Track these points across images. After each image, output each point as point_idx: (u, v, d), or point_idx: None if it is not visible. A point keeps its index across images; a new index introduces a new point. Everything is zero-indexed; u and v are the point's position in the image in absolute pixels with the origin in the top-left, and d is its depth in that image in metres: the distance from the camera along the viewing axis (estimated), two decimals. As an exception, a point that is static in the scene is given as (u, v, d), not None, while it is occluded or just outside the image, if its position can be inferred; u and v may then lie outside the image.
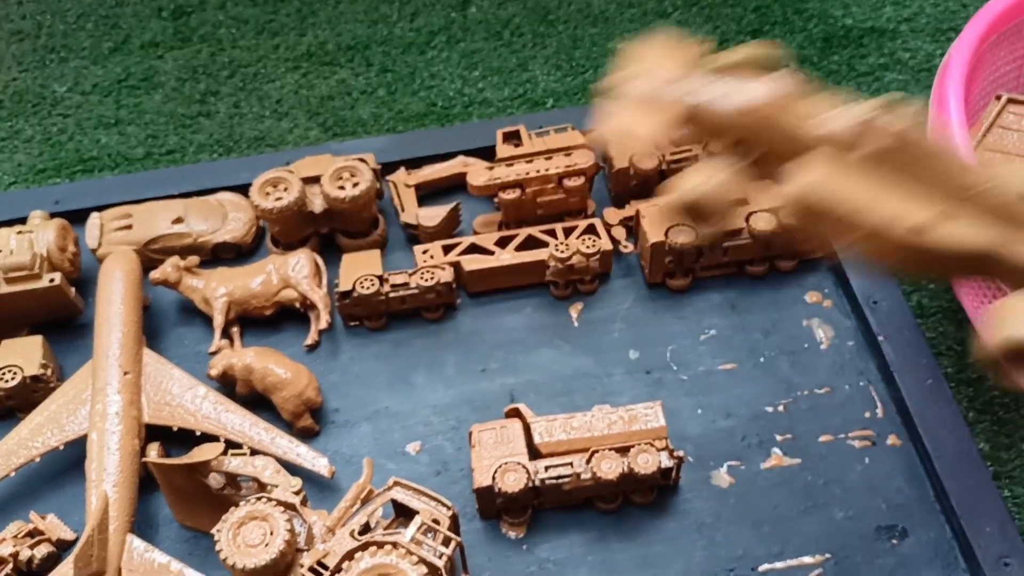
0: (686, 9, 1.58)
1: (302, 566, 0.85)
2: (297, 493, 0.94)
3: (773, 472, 1.07)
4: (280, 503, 0.89)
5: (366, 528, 0.89)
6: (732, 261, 1.21)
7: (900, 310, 1.17)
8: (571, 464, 1.00)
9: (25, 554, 1.01)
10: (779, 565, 1.01)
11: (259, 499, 0.89)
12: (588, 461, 1.00)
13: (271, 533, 0.86)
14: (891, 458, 1.08)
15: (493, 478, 1.00)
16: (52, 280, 1.14)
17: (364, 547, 0.85)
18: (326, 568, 0.85)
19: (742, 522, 1.03)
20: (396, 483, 0.92)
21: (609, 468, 0.99)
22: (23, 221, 1.24)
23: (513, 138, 1.28)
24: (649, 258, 1.19)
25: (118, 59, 1.56)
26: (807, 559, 1.01)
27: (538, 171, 1.21)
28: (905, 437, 1.09)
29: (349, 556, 0.85)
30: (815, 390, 1.13)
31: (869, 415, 1.11)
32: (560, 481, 1.00)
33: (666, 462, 1.00)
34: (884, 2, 1.56)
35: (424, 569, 0.83)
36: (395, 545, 0.85)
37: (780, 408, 1.12)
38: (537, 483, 1.00)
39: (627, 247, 1.23)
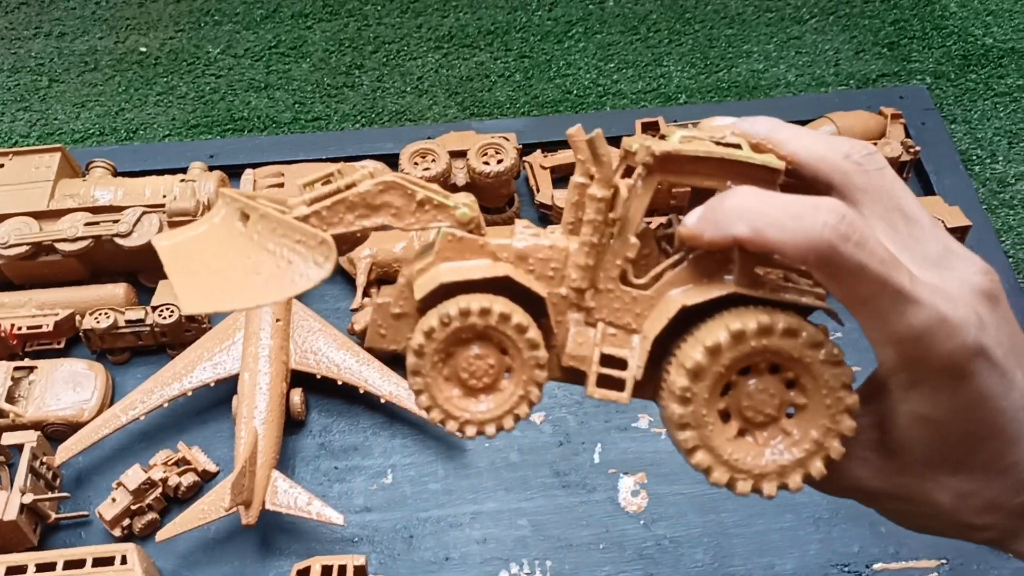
0: (823, 17, 1.59)
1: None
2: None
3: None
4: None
5: None
6: None
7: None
8: None
9: (173, 480, 1.07)
10: (894, 565, 1.02)
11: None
12: None
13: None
14: None
15: None
16: (212, 227, 1.20)
17: None
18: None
19: (859, 520, 1.05)
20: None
21: None
22: (181, 171, 1.31)
23: (652, 129, 1.31)
24: None
25: (269, 26, 1.64)
26: (923, 562, 1.02)
27: (676, 162, 1.24)
28: None
29: None
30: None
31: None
32: None
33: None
34: (1027, 24, 1.55)
35: None
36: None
37: (901, 414, 1.13)
38: None
39: None
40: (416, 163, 1.24)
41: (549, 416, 1.15)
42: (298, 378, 1.14)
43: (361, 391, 1.11)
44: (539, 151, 1.37)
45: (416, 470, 1.11)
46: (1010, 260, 1.28)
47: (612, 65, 1.54)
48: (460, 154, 1.27)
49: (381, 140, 1.39)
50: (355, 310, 1.20)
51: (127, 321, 1.15)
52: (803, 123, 1.34)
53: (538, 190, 1.32)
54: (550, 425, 1.14)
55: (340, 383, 1.12)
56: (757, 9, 1.60)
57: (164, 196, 1.23)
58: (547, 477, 1.10)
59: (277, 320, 1.13)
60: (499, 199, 1.29)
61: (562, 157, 1.36)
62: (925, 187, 1.33)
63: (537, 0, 1.64)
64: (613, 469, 1.10)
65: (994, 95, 1.47)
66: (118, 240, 1.18)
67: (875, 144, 1.27)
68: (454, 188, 1.28)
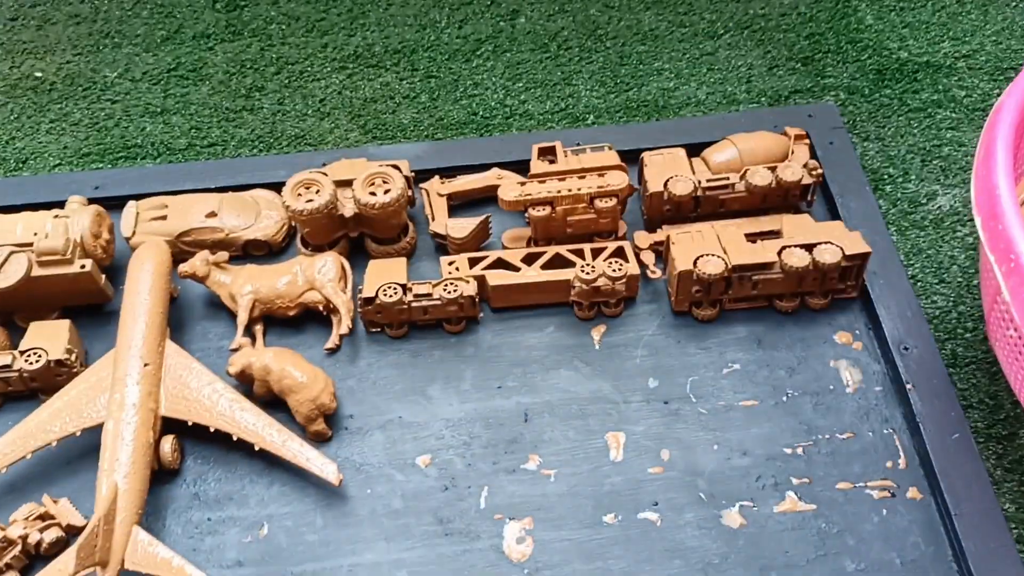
0: (737, 32, 1.55)
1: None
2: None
3: (786, 516, 1.05)
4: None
5: None
6: (762, 295, 1.19)
7: (931, 358, 1.14)
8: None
9: (34, 537, 1.02)
10: (783, 612, 0.99)
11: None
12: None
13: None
14: (910, 511, 1.05)
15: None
16: (83, 266, 1.16)
17: None
18: None
19: (750, 565, 1.01)
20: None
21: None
22: (63, 204, 1.26)
23: (548, 154, 1.27)
24: (676, 286, 1.17)
25: (170, 48, 1.58)
26: (812, 608, 0.98)
27: (570, 190, 1.20)
28: (926, 491, 1.06)
29: None
30: (837, 435, 1.11)
31: (891, 465, 1.08)
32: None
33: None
34: (943, 36, 1.52)
35: None
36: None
37: (799, 450, 1.10)
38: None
39: (655, 272, 1.22)
40: (300, 194, 1.19)
41: (435, 459, 1.11)
42: (173, 423, 1.09)
43: (235, 438, 1.07)
44: (436, 177, 1.32)
45: (293, 520, 1.07)
46: (917, 284, 1.25)
47: (520, 84, 1.50)
48: (348, 183, 1.23)
49: (274, 168, 1.34)
50: (234, 350, 1.15)
51: (-9, 368, 1.10)
52: (706, 145, 1.31)
53: (433, 218, 1.28)
54: (435, 468, 1.10)
55: (212, 429, 1.07)
56: (671, 24, 1.56)
57: (35, 234, 1.17)
58: (430, 525, 1.06)
59: (145, 365, 1.08)
60: (390, 229, 1.25)
61: (461, 183, 1.32)
62: (830, 210, 1.30)
63: (447, 17, 1.59)
64: (499, 514, 1.06)
65: (908, 111, 1.44)
66: (-18, 282, 1.13)
67: (776, 167, 1.23)
68: (342, 219, 1.23)
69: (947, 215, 1.32)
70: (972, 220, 1.31)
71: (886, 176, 1.36)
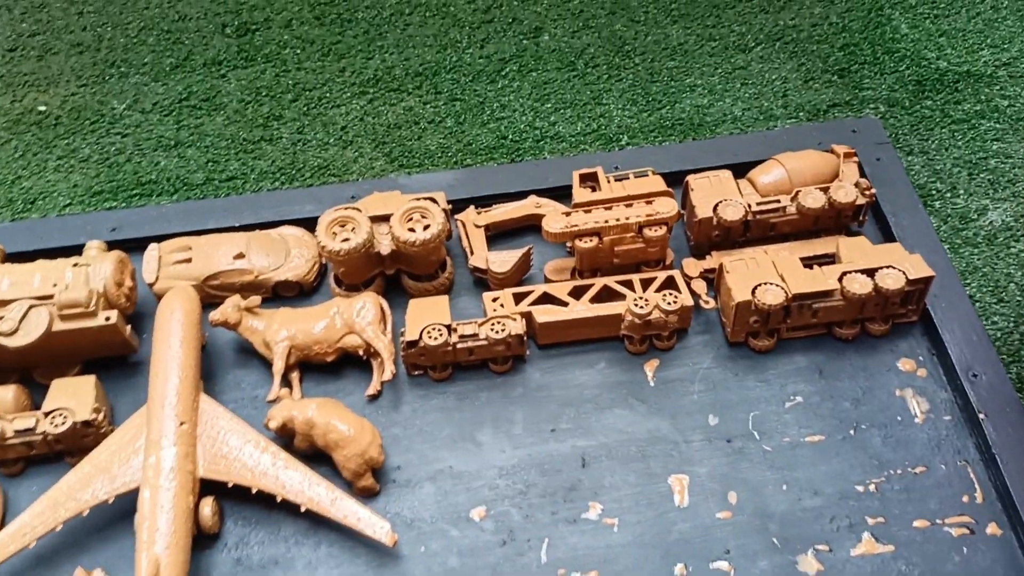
0: (769, 44, 1.50)
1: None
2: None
3: (864, 559, 1.00)
4: None
5: None
6: (821, 323, 1.14)
7: (1001, 384, 1.09)
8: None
9: (71, 612, 0.96)
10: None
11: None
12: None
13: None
14: (992, 549, 1.00)
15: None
16: (108, 319, 1.09)
17: None
18: None
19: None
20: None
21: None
22: (79, 249, 1.19)
23: (590, 180, 1.21)
24: (733, 316, 1.12)
25: (179, 76, 1.52)
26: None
27: (618, 219, 1.15)
28: (1007, 526, 1.01)
29: None
30: (909, 469, 1.06)
31: (967, 499, 1.03)
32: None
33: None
34: (981, 45, 1.47)
35: None
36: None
37: (872, 487, 1.05)
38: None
39: (708, 302, 1.16)
40: (335, 233, 1.13)
41: (491, 511, 1.05)
42: (210, 485, 1.03)
43: (279, 499, 1.00)
44: (472, 207, 1.27)
45: (345, 583, 1.01)
46: (976, 305, 1.20)
47: (549, 105, 1.45)
48: (384, 218, 1.17)
49: (300, 202, 1.28)
50: (272, 401, 1.09)
51: (16, 431, 1.03)
52: (751, 165, 1.26)
53: (472, 252, 1.22)
54: (492, 521, 1.04)
55: (255, 491, 1.01)
56: (700, 38, 1.51)
57: (55, 285, 1.11)
58: (490, 582, 1.00)
59: (181, 424, 1.01)
60: (429, 266, 1.19)
61: (497, 214, 1.26)
62: (882, 229, 1.25)
63: (468, 37, 1.54)
64: (563, 569, 1.00)
65: (951, 122, 1.39)
66: (1, 340, 1.06)
67: (828, 187, 1.18)
68: (378, 257, 1.17)
69: (999, 230, 1.27)
70: (1029, 236, 1.27)
71: (934, 192, 1.32)
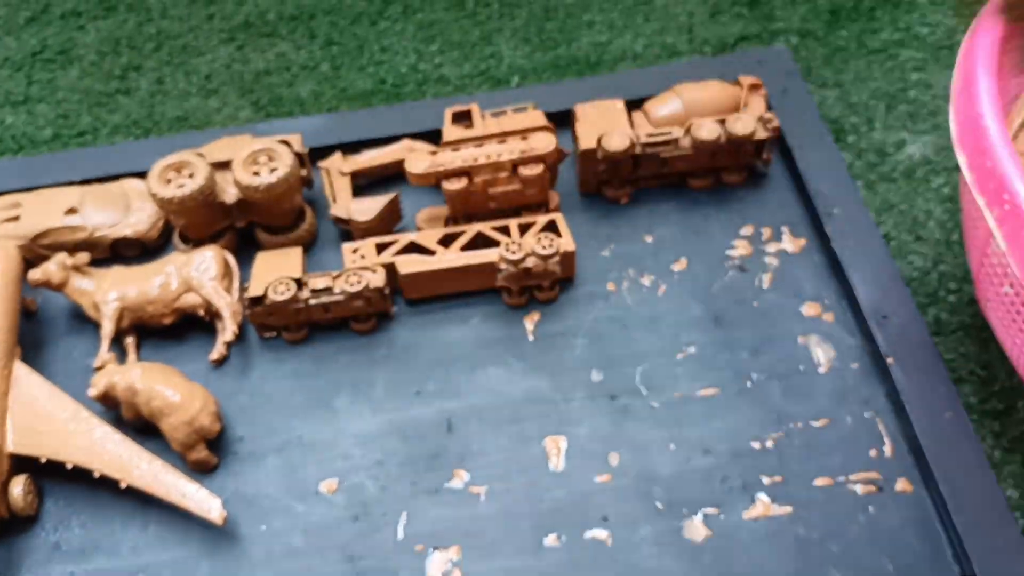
0: (676, -23, 1.39)
1: None
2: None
3: (758, 523, 0.89)
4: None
5: None
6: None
7: (914, 327, 0.99)
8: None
9: None
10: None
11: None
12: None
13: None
14: (901, 507, 0.89)
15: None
16: (-92, 281, 0.96)
17: None
18: None
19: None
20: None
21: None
22: None
23: (464, 118, 1.10)
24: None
25: (34, 29, 1.39)
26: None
27: (488, 157, 1.03)
28: (918, 481, 0.91)
29: None
30: (811, 422, 0.95)
31: (875, 454, 0.93)
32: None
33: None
34: (901, -30, 1.37)
35: None
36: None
37: (769, 444, 0.94)
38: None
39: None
40: (169, 179, 1.01)
41: (343, 483, 0.93)
42: (24, 462, 0.91)
43: (96, 475, 0.88)
44: (338, 153, 1.15)
45: (173, 569, 0.88)
46: (892, 243, 1.09)
47: (435, 47, 1.33)
48: (229, 164, 1.05)
49: (149, 154, 1.14)
50: (97, 368, 0.97)
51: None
52: (647, 98, 1.15)
53: (335, 201, 1.10)
54: (343, 495, 0.92)
55: (70, 466, 0.89)
56: (600, -28, 1.40)
57: None
58: (338, 563, 0.88)
59: (-18, 395, 0.89)
60: (282, 216, 1.07)
61: (365, 159, 1.14)
62: (788, 165, 1.14)
63: (350, -23, 1.41)
64: (420, 545, 0.89)
65: (867, 53, 1.28)
66: None
67: (725, 119, 1.07)
68: (223, 207, 1.05)
69: (919, 165, 1.17)
70: (947, 169, 1.16)
71: (848, 126, 1.21)
